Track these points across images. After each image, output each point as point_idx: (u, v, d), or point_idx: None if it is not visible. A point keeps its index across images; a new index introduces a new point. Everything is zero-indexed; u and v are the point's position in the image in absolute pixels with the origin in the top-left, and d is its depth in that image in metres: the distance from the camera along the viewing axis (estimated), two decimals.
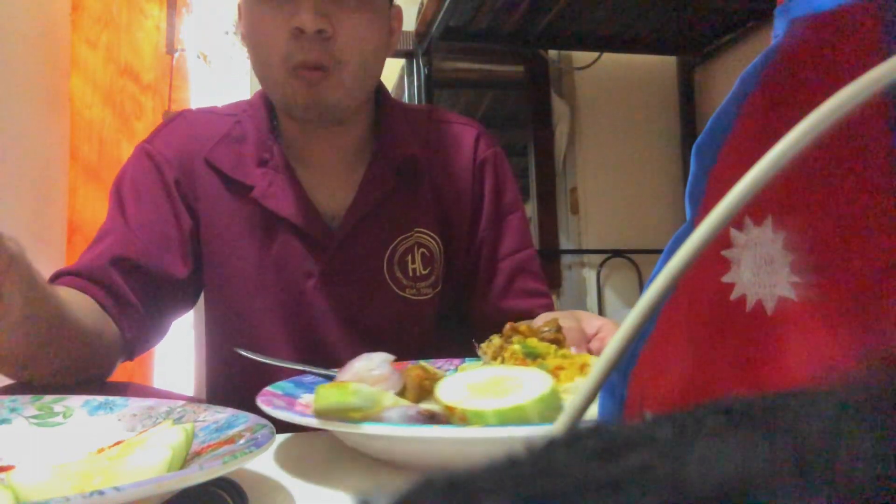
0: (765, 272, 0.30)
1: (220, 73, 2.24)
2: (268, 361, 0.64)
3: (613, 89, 2.10)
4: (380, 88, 0.86)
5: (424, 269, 0.82)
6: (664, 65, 2.11)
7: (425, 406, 0.43)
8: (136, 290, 0.74)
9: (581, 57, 2.07)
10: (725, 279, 0.29)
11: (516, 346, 0.49)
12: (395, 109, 0.86)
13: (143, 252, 0.75)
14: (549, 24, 1.84)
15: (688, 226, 0.26)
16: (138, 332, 0.75)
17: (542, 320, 0.63)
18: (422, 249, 0.82)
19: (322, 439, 0.52)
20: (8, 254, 0.49)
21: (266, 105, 0.82)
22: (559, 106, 2.08)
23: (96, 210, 2.13)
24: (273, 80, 0.74)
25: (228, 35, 2.28)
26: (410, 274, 0.81)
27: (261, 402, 0.45)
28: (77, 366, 0.66)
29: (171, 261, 0.77)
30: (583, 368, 0.44)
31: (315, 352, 0.78)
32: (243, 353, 0.63)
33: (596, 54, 2.03)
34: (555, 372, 0.44)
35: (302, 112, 0.75)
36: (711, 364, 0.29)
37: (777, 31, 0.25)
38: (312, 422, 0.41)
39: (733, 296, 0.29)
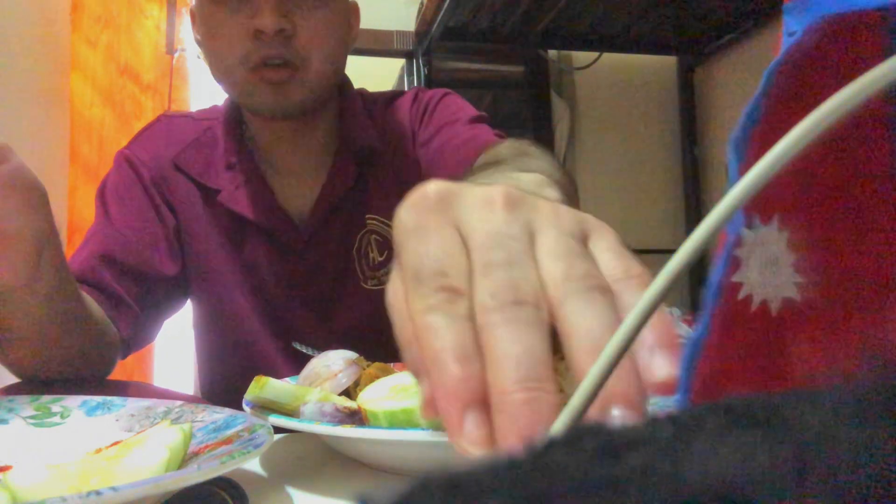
0: (770, 272, 0.30)
1: None
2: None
3: (613, 89, 2.10)
4: (343, 83, 0.85)
5: (381, 256, 0.81)
6: (664, 65, 2.11)
7: (346, 404, 0.43)
8: (128, 289, 0.74)
9: (581, 57, 2.07)
10: (735, 278, 0.29)
11: None
12: (354, 101, 0.85)
13: (131, 251, 0.75)
14: (549, 24, 1.84)
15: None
16: (134, 330, 0.74)
17: None
18: (374, 236, 0.81)
19: (321, 439, 0.52)
20: (49, 225, 0.49)
21: (234, 108, 0.83)
22: (559, 106, 2.08)
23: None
24: (233, 83, 0.74)
25: None
26: (371, 264, 0.81)
27: (246, 406, 0.45)
28: (88, 357, 0.66)
29: (160, 259, 0.77)
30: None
31: (297, 352, 0.77)
32: (299, 346, 0.64)
33: (596, 54, 2.03)
34: None
35: (268, 113, 0.75)
36: (723, 363, 0.29)
37: (791, 27, 0.25)
38: (292, 424, 0.41)
39: (741, 295, 0.30)
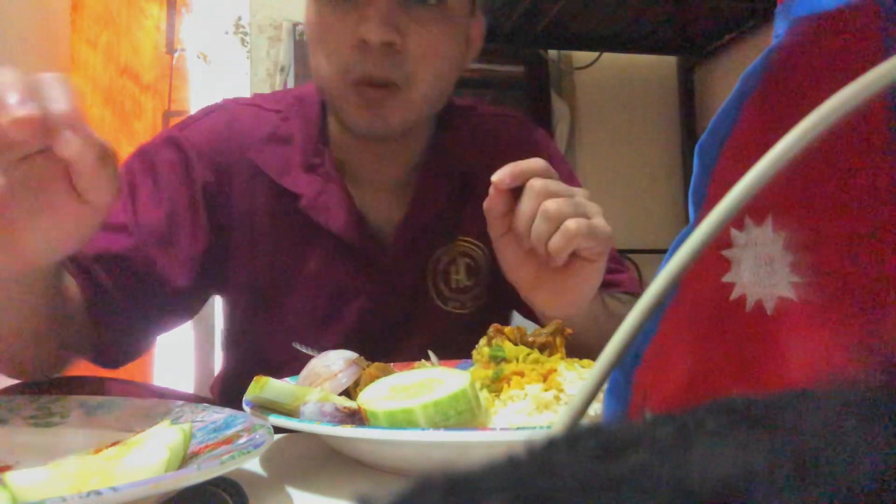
0: (765, 272, 0.30)
1: (220, 72, 2.24)
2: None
3: (613, 89, 2.10)
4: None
5: (468, 281, 0.76)
6: (664, 65, 2.10)
7: (346, 404, 0.43)
8: (122, 288, 0.65)
9: (581, 57, 2.06)
10: (725, 279, 0.29)
11: (485, 349, 0.49)
12: (461, 119, 0.79)
13: (140, 250, 0.67)
14: (549, 24, 1.84)
15: (691, 227, 0.25)
16: (117, 334, 0.66)
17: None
18: (465, 259, 0.75)
19: (321, 439, 0.52)
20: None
21: (320, 103, 0.75)
22: (559, 106, 2.08)
23: None
24: (330, 93, 0.67)
25: (228, 35, 2.28)
26: (453, 285, 0.75)
27: (246, 406, 0.45)
28: (67, 351, 0.62)
29: (170, 266, 0.68)
30: (547, 375, 0.43)
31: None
32: (300, 347, 0.60)
33: (596, 54, 2.03)
34: (508, 377, 0.44)
35: (359, 131, 0.68)
36: (712, 364, 0.29)
37: (778, 30, 0.25)
38: (292, 424, 0.41)
39: (733, 296, 0.29)
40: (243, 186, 0.72)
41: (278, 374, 0.47)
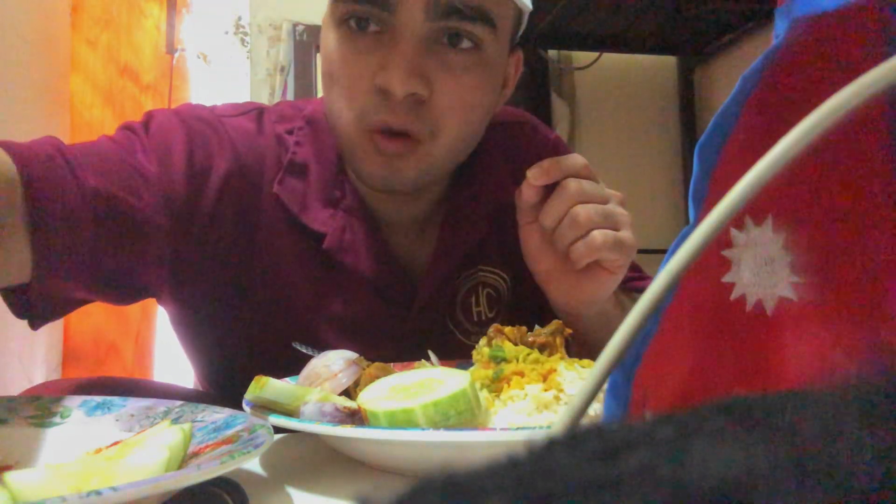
0: (765, 272, 0.30)
1: (220, 73, 2.24)
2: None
3: (613, 89, 2.10)
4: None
5: (490, 312, 0.69)
6: (664, 65, 2.10)
7: (346, 404, 0.43)
8: (98, 220, 0.52)
9: (581, 57, 2.06)
10: (725, 279, 0.29)
11: (485, 349, 0.49)
12: (493, 155, 0.71)
13: (123, 184, 0.55)
14: (549, 24, 1.84)
15: (691, 227, 0.25)
16: (57, 270, 0.51)
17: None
18: (487, 289, 0.69)
19: (321, 439, 0.52)
20: None
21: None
22: (559, 106, 2.08)
23: None
24: (342, 138, 0.60)
25: (228, 35, 2.28)
26: (475, 318, 0.69)
27: (246, 406, 0.45)
28: None
29: (148, 209, 0.56)
30: (547, 375, 0.44)
31: None
32: (299, 346, 0.56)
33: (596, 54, 2.03)
34: (508, 377, 0.44)
35: (370, 183, 0.61)
36: (712, 363, 0.29)
37: (778, 30, 0.25)
38: (292, 424, 0.41)
39: (733, 296, 0.29)
40: (268, 217, 0.63)
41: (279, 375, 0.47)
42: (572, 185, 0.54)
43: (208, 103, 0.69)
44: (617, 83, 2.10)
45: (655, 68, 2.11)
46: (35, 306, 0.52)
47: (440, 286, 0.67)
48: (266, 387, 0.41)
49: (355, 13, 0.55)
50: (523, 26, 0.64)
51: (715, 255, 0.28)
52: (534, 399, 0.41)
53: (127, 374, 1.95)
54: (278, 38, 2.11)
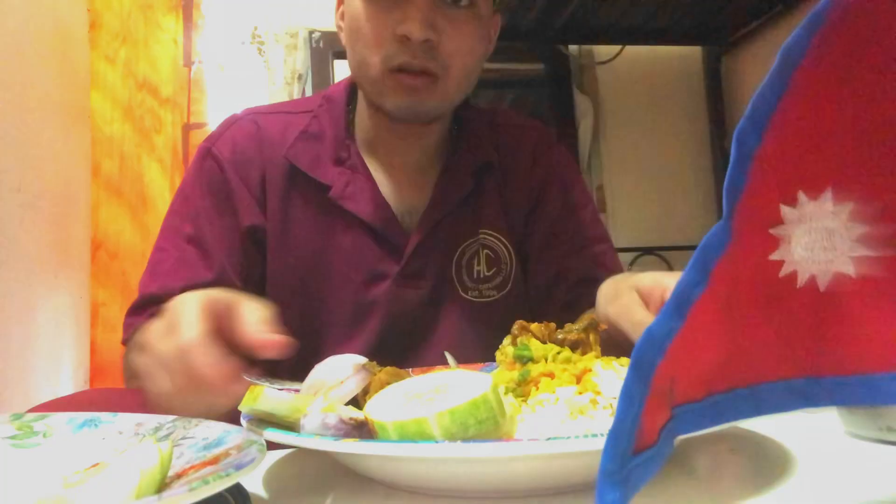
0: (820, 247, 0.28)
1: (237, 83, 2.23)
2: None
3: (637, 83, 2.05)
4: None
5: (489, 271, 0.81)
6: (689, 55, 2.05)
7: (352, 415, 0.38)
8: None
9: (602, 51, 2.02)
10: (773, 257, 0.28)
11: (509, 349, 0.44)
12: (480, 114, 0.88)
13: (222, 278, 0.72)
14: (569, 19, 1.79)
15: (724, 221, 0.25)
16: None
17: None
18: (486, 251, 0.81)
19: (330, 454, 0.47)
20: None
21: (346, 100, 0.82)
22: (582, 102, 2.03)
23: (119, 226, 2.13)
24: (370, 78, 0.73)
25: (245, 45, 2.27)
26: (475, 276, 0.81)
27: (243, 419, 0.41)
28: None
29: (243, 285, 0.74)
30: (581, 377, 0.38)
31: (376, 353, 0.74)
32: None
33: (618, 47, 1.98)
34: (536, 379, 0.39)
35: (397, 113, 0.74)
36: (755, 343, 0.28)
37: None
38: (289, 439, 0.36)
39: (782, 273, 0.28)
40: (277, 186, 0.77)
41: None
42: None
43: (226, 114, 0.84)
44: (641, 76, 2.04)
45: (680, 59, 2.05)
46: None
47: (432, 232, 0.78)
48: (261, 398, 0.37)
49: None
50: None
51: (761, 233, 0.27)
52: (567, 403, 0.37)
53: None
54: (295, 45, 2.10)
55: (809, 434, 0.47)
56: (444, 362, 0.52)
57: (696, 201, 2.03)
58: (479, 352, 0.72)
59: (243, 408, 0.39)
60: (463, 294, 0.80)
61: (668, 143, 2.05)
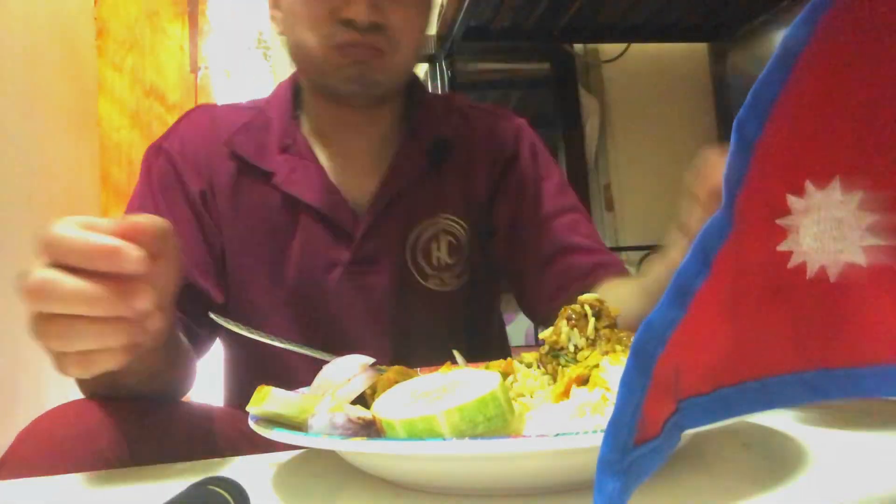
0: (829, 238, 0.28)
1: (244, 88, 2.24)
2: (254, 336, 0.55)
3: (644, 80, 2.04)
4: (413, 78, 0.84)
5: (450, 259, 0.78)
6: (695, 52, 2.04)
7: (360, 414, 0.37)
8: (191, 314, 0.69)
9: (608, 49, 2.01)
10: (781, 248, 0.27)
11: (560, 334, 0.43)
12: (435, 96, 0.87)
13: (188, 274, 0.70)
14: (573, 17, 1.79)
15: (724, 210, 0.25)
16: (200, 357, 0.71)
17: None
18: (448, 237, 0.78)
19: (338, 454, 0.47)
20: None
21: (291, 91, 0.80)
22: (588, 101, 2.02)
23: None
24: (312, 60, 0.72)
25: (251, 50, 2.28)
26: (434, 263, 0.77)
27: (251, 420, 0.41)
28: (182, 385, 0.64)
29: (211, 286, 0.73)
30: (588, 374, 0.38)
31: (338, 349, 0.73)
32: (216, 318, 0.56)
33: (623, 45, 1.97)
34: (567, 384, 0.39)
35: (346, 88, 0.72)
36: (763, 334, 0.28)
37: None
38: (297, 439, 0.36)
39: (791, 264, 0.28)
40: (222, 175, 0.75)
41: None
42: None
43: None
44: (647, 74, 2.04)
45: (686, 56, 2.05)
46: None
47: (384, 217, 0.75)
48: (268, 398, 0.37)
49: None
50: None
51: (766, 224, 0.27)
52: (576, 400, 0.36)
53: None
54: None
55: (824, 428, 0.47)
56: (416, 356, 0.51)
57: None
58: (443, 343, 0.68)
59: (251, 408, 0.39)
60: (422, 282, 0.76)
61: (675, 141, 2.04)
